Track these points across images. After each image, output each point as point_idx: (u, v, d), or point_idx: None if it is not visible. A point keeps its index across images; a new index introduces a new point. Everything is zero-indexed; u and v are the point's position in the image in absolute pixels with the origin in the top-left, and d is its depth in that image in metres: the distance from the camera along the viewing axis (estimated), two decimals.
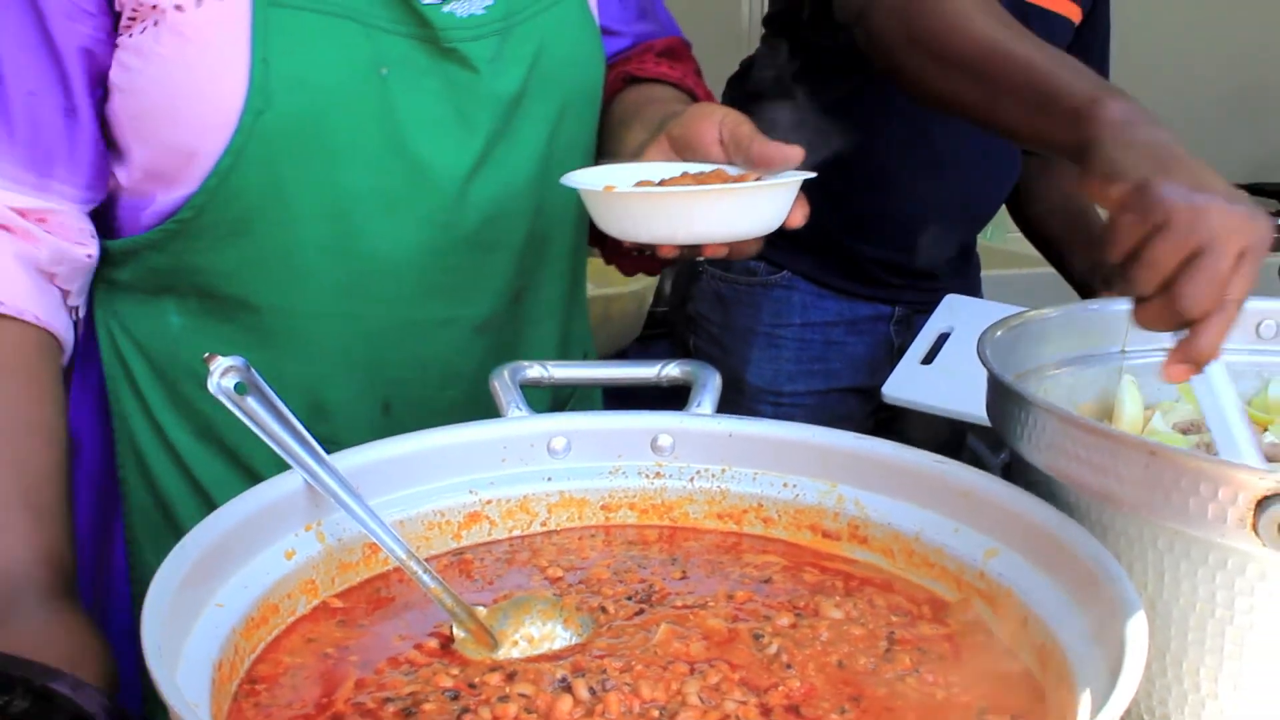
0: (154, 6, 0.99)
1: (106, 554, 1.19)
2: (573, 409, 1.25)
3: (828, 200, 1.65)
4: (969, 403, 1.30)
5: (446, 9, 1.05)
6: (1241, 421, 0.85)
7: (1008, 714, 0.68)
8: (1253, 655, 0.71)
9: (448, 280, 1.12)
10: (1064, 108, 1.02)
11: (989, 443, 1.46)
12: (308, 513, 0.79)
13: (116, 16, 1.01)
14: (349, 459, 0.81)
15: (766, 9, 1.78)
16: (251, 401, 0.77)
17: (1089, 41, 1.71)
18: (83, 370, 1.16)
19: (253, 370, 0.78)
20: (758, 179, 0.96)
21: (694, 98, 1.21)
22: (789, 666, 0.71)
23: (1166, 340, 0.85)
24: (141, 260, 1.09)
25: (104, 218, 1.10)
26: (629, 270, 1.27)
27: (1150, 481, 0.70)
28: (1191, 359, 0.83)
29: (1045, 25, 1.62)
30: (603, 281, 2.09)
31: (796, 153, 0.95)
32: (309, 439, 0.78)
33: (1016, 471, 0.86)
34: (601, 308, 2.13)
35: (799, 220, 0.97)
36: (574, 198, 1.03)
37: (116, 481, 1.17)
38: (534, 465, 0.89)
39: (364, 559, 0.81)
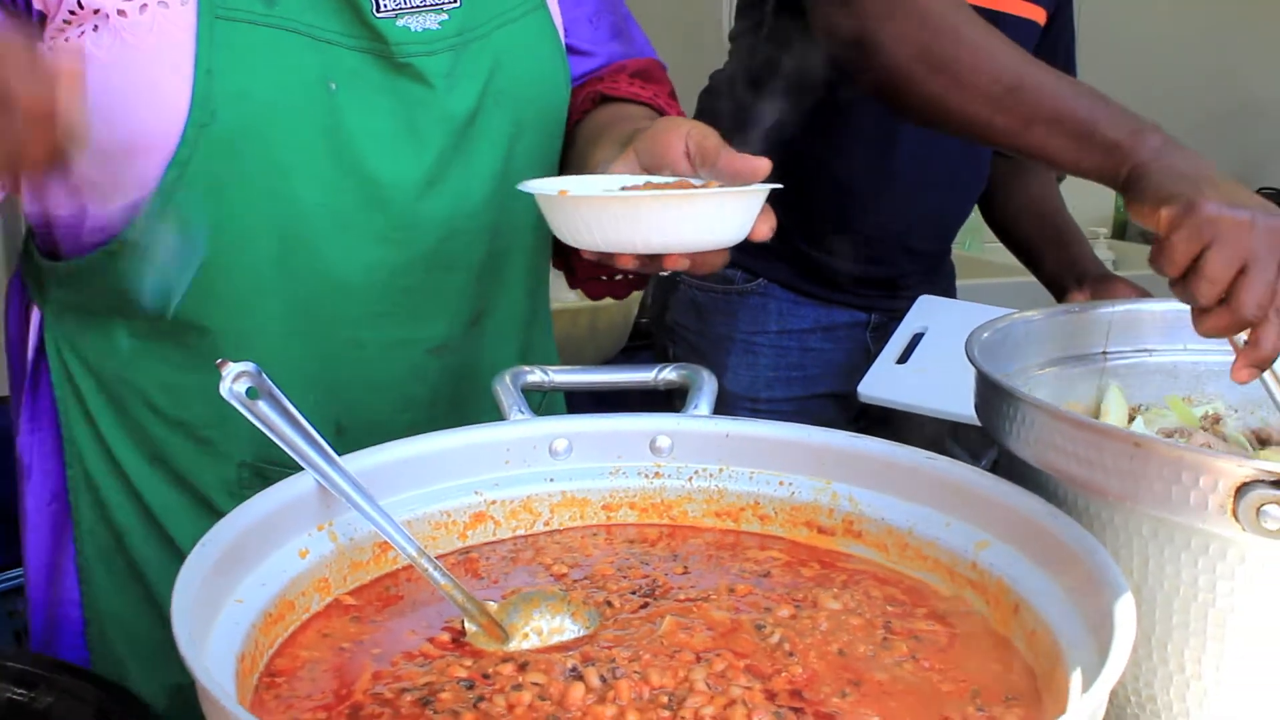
0: (95, 10, 0.97)
1: (58, 581, 1.19)
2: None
3: (796, 216, 1.70)
4: (945, 400, 1.34)
5: (401, 23, 1.04)
6: None
7: (1002, 696, 0.71)
8: (1234, 637, 0.75)
9: (402, 301, 1.10)
10: (1101, 139, 1.10)
11: (968, 449, 1.50)
12: (320, 513, 0.81)
13: (39, 16, 0.99)
14: (359, 461, 0.83)
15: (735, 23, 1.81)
16: (263, 406, 0.80)
17: (1054, 42, 1.75)
18: (33, 395, 1.16)
19: (264, 375, 0.80)
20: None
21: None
22: (791, 654, 0.74)
23: (1148, 343, 0.90)
24: (86, 281, 1.08)
25: (46, 237, 1.10)
26: (596, 294, 1.26)
27: (1135, 472, 0.74)
28: (1256, 361, 0.93)
29: (1014, 30, 1.65)
30: None
31: (764, 165, 0.94)
32: (321, 442, 0.80)
33: (1004, 470, 0.89)
34: (588, 319, 2.16)
35: (765, 232, 0.95)
36: (534, 217, 1.02)
37: (67, 507, 1.16)
38: (537, 466, 0.91)
39: (374, 558, 0.83)
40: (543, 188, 0.96)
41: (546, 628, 0.78)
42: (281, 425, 0.79)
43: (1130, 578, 0.77)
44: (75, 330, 1.12)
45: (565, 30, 1.19)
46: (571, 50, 1.19)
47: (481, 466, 0.90)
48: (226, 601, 0.71)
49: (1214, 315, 0.94)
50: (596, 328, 2.20)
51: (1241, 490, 0.70)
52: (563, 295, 1.79)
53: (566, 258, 1.23)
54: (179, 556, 1.11)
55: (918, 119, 1.38)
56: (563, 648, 0.75)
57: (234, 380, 0.80)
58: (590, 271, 1.21)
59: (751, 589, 0.82)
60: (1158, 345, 1.05)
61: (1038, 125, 1.18)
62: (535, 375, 0.96)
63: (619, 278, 1.21)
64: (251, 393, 0.80)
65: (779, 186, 0.94)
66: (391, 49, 1.04)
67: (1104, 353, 1.04)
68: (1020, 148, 1.23)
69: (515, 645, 0.76)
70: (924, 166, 1.65)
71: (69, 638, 1.18)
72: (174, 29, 0.98)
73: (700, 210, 0.91)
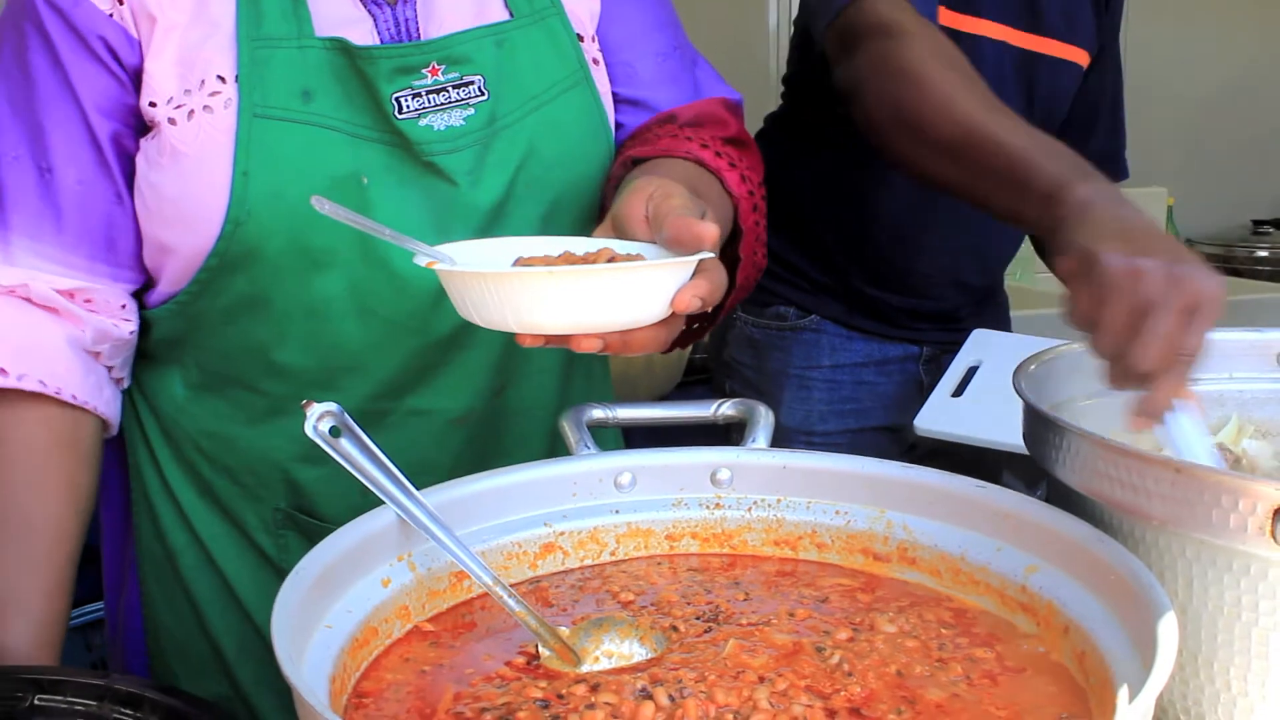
0: (155, 121, 1.04)
1: (125, 587, 1.26)
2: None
3: (847, 253, 1.74)
4: (999, 432, 1.36)
5: (424, 122, 1.06)
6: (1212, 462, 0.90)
7: (1054, 715, 0.74)
8: (1276, 655, 0.77)
9: (421, 377, 1.13)
10: (1037, 190, 1.08)
11: (1024, 479, 1.53)
12: (400, 544, 0.86)
13: (140, 120, 1.06)
14: (435, 495, 0.88)
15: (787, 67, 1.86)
16: (345, 443, 0.85)
17: (1099, 84, 1.77)
18: None
19: (346, 415, 0.85)
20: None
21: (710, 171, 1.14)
22: (850, 675, 0.77)
23: (1195, 373, 0.92)
24: (150, 332, 1.15)
25: None
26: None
27: (1177, 496, 0.77)
28: (1147, 412, 0.89)
29: (1053, 72, 1.69)
30: None
31: (709, 234, 0.86)
32: (400, 477, 0.84)
33: (1053, 498, 0.92)
34: (645, 357, 2.20)
35: (686, 304, 0.85)
36: None
37: (131, 521, 1.24)
38: (602, 499, 0.95)
39: (451, 586, 0.88)
40: (440, 254, 0.90)
41: (616, 651, 0.82)
42: (363, 462, 0.84)
43: (1175, 599, 0.80)
44: (141, 370, 1.19)
45: (621, 80, 1.19)
46: (626, 102, 1.20)
47: (550, 499, 0.94)
48: (317, 627, 0.76)
49: (1115, 369, 0.90)
50: (652, 365, 2.25)
51: (1279, 513, 0.73)
52: None
53: None
54: (223, 581, 1.21)
55: (900, 171, 1.42)
56: (632, 669, 0.79)
57: (318, 420, 0.85)
58: None
59: (811, 613, 0.86)
60: (1203, 374, 1.07)
61: (986, 178, 1.18)
62: (600, 412, 1.01)
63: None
64: (334, 431, 0.85)
65: (709, 255, 0.87)
66: (415, 148, 1.06)
67: None
68: (975, 200, 1.24)
69: (587, 668, 0.80)
70: (966, 205, 1.68)
71: (133, 643, 1.26)
72: (217, 133, 1.03)
73: (580, 288, 0.82)
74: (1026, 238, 1.89)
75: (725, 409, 1.01)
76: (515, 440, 1.20)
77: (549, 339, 0.86)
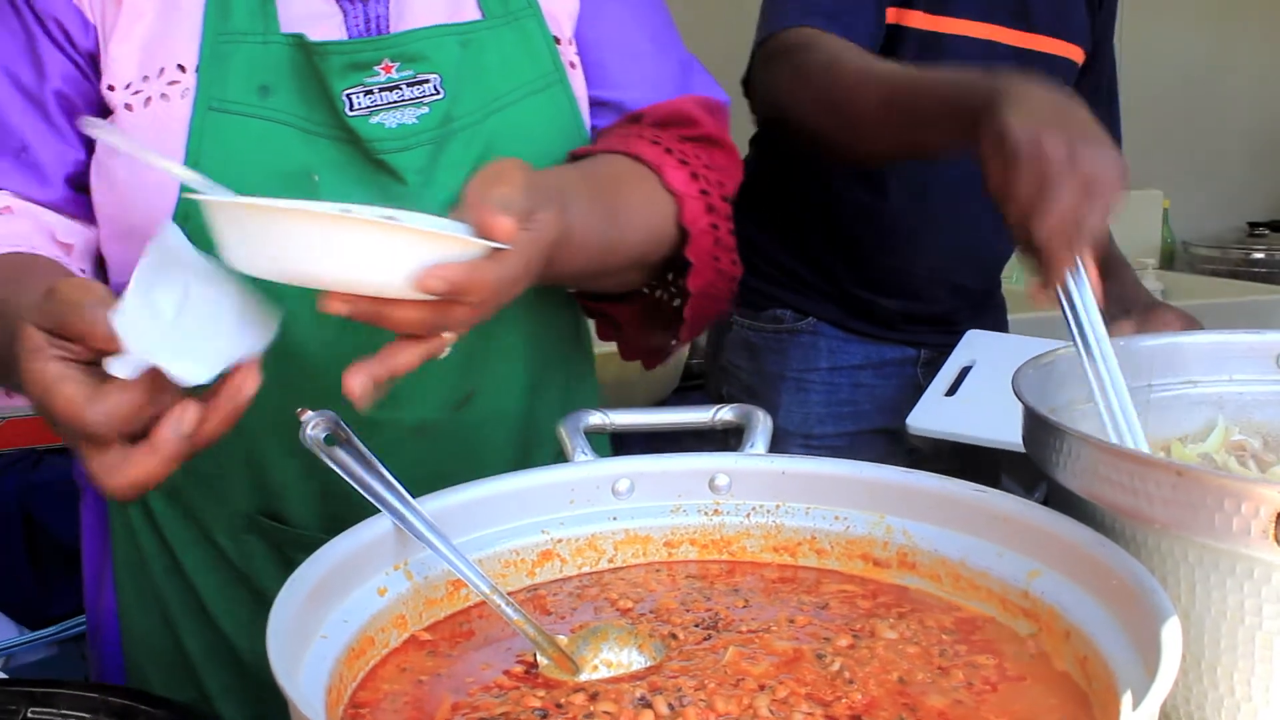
0: (113, 105, 1.04)
1: (102, 590, 1.25)
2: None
3: (842, 257, 1.75)
4: (993, 430, 1.36)
5: (375, 120, 1.04)
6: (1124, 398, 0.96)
7: None
8: None
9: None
10: (969, 105, 1.11)
11: (1022, 481, 1.52)
12: (396, 553, 0.85)
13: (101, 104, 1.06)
14: (431, 503, 0.87)
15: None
16: (340, 452, 0.84)
17: (1094, 82, 1.78)
18: None
19: (341, 423, 0.85)
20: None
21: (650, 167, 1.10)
22: (851, 682, 0.77)
23: (1192, 374, 0.93)
24: None
25: None
26: (627, 356, 1.24)
27: (1179, 500, 0.76)
28: (1044, 280, 0.97)
29: (1048, 69, 1.69)
30: None
31: (499, 228, 0.80)
32: (396, 485, 0.84)
33: (1053, 501, 0.92)
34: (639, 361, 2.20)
35: (425, 283, 0.77)
36: (527, 300, 0.93)
37: (109, 529, 1.22)
38: (600, 506, 0.95)
39: (448, 595, 0.87)
40: (202, 184, 0.83)
41: (615, 660, 0.81)
42: (358, 469, 0.83)
43: (1179, 603, 0.79)
44: None
45: (595, 81, 1.16)
46: (598, 104, 1.17)
47: (548, 506, 0.93)
48: (313, 637, 0.75)
49: (1019, 238, 0.98)
50: (649, 371, 2.24)
51: None
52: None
53: (608, 331, 1.23)
54: (190, 587, 1.19)
55: (846, 165, 1.48)
56: (631, 678, 0.79)
57: (313, 428, 0.84)
58: (608, 335, 1.21)
59: (811, 620, 0.85)
60: (1202, 376, 1.08)
61: (919, 125, 1.24)
62: (596, 418, 1.00)
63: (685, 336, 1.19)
64: (330, 439, 0.85)
65: (499, 245, 0.80)
66: (365, 145, 1.04)
67: (1149, 385, 1.07)
68: (914, 152, 1.32)
69: (586, 676, 0.79)
70: (963, 204, 1.68)
71: (110, 647, 1.25)
72: (171, 121, 1.02)
73: (307, 231, 0.75)
74: None
75: (724, 414, 1.01)
76: (482, 451, 1.16)
77: (345, 303, 0.79)
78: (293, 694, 0.62)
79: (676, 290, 1.17)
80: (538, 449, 1.20)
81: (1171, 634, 0.66)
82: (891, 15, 1.56)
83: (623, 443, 1.29)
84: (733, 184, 1.19)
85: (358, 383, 0.81)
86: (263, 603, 1.12)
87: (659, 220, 1.11)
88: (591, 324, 1.31)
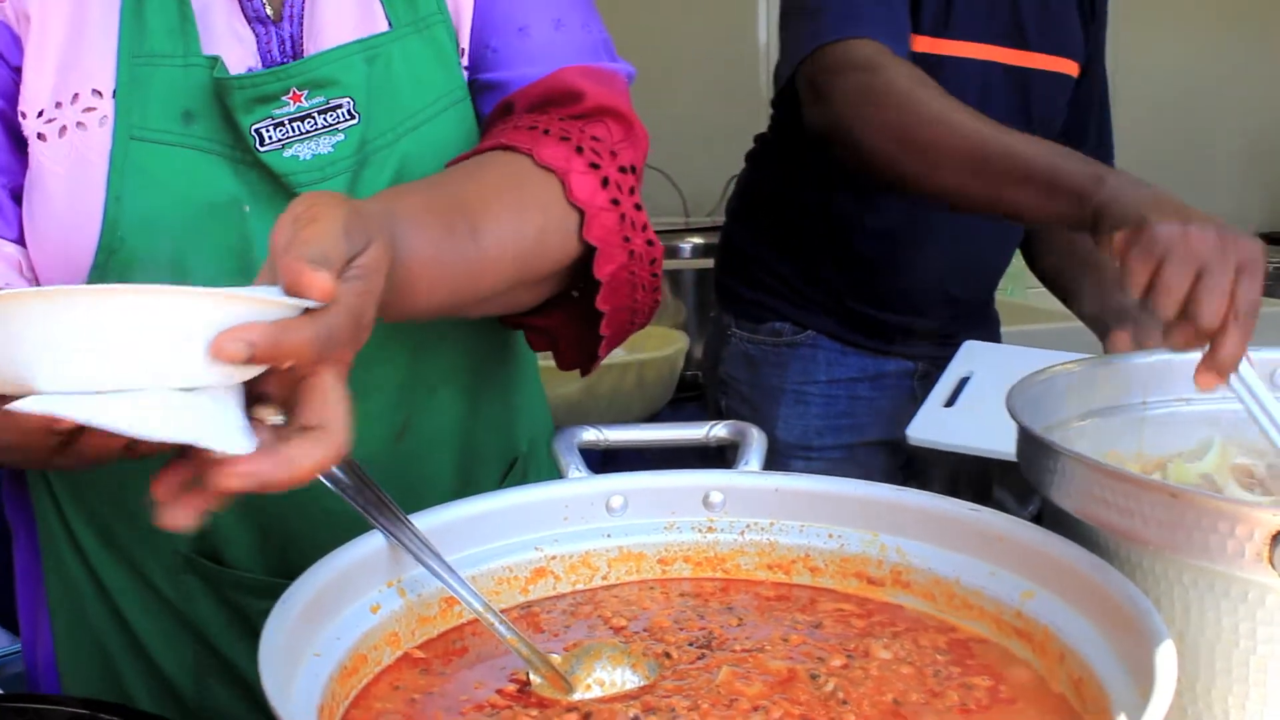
0: (28, 134, 0.97)
1: (39, 635, 1.19)
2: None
3: (839, 271, 1.75)
4: (990, 441, 1.36)
5: (289, 153, 0.97)
6: None
7: None
8: (1275, 682, 0.76)
9: None
10: (1065, 187, 1.21)
11: (1015, 493, 1.52)
12: (390, 570, 0.85)
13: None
14: (425, 520, 0.87)
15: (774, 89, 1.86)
16: (336, 470, 0.84)
17: (1088, 93, 1.80)
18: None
19: None
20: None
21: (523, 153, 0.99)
22: (845, 702, 0.77)
23: (1186, 392, 0.93)
24: None
25: None
26: (566, 366, 1.14)
27: (1173, 521, 0.76)
28: (1216, 367, 0.98)
29: (1046, 85, 1.72)
30: (636, 348, 2.16)
31: (318, 288, 0.67)
32: (389, 503, 0.84)
33: (1047, 518, 0.92)
34: (635, 374, 2.20)
35: (222, 350, 0.63)
36: (455, 320, 0.88)
37: (41, 569, 1.16)
38: (594, 523, 0.94)
39: (441, 612, 0.87)
40: None
41: (608, 679, 0.81)
42: (351, 486, 0.83)
43: (1172, 625, 0.79)
44: None
45: (479, 64, 1.06)
46: (484, 87, 1.07)
47: (541, 523, 0.93)
48: (306, 655, 0.75)
49: (1175, 329, 1.00)
50: (644, 382, 2.24)
51: (1278, 538, 0.72)
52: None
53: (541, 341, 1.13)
54: (129, 632, 1.12)
55: (900, 193, 1.49)
56: (624, 697, 0.79)
57: None
58: (541, 345, 1.13)
59: (805, 639, 0.85)
60: (1196, 394, 1.08)
61: (1009, 187, 1.29)
62: (590, 435, 1.00)
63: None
64: None
65: (305, 305, 0.67)
66: (282, 180, 0.97)
67: (1143, 402, 1.07)
68: (995, 208, 1.34)
69: (579, 696, 0.79)
70: (959, 218, 1.69)
71: (49, 690, 1.18)
72: (90, 152, 0.96)
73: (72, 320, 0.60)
74: (1017, 253, 1.89)
75: (718, 431, 1.01)
76: (423, 481, 1.10)
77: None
78: (283, 714, 0.61)
79: (588, 285, 1.04)
80: (480, 467, 1.15)
81: (1166, 658, 0.66)
82: None
83: (617, 458, 1.29)
84: (631, 154, 1.05)
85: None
86: (206, 645, 1.10)
87: (543, 219, 0.98)
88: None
